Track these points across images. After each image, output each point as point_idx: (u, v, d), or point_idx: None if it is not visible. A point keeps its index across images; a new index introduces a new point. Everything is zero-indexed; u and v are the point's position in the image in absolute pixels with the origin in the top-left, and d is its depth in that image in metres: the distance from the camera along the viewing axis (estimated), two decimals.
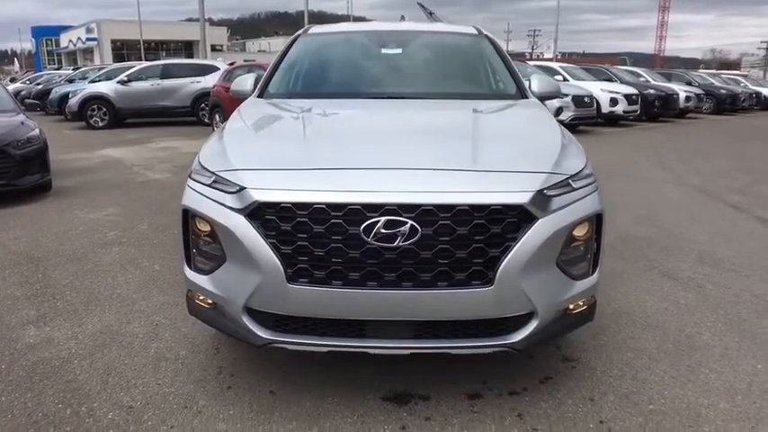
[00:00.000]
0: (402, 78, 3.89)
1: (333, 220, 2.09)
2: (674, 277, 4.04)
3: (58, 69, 33.35)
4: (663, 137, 13.70)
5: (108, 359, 2.85)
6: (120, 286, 3.82)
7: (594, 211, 2.33)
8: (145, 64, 17.46)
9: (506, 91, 3.66)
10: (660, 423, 2.34)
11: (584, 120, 14.01)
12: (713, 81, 23.62)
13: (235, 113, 3.20)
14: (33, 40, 68.05)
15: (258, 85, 3.69)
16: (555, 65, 17.60)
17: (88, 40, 55.73)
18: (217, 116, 12.39)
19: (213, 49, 50.60)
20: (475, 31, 4.25)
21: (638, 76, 19.99)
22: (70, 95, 15.08)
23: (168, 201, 6.22)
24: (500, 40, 4.48)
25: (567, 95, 12.86)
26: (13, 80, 29.26)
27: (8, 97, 7.45)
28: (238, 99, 3.68)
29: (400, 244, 2.07)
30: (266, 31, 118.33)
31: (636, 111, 15.88)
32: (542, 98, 3.61)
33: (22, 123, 6.60)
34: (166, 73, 15.22)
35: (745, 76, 30.53)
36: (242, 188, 2.19)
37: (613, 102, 15.27)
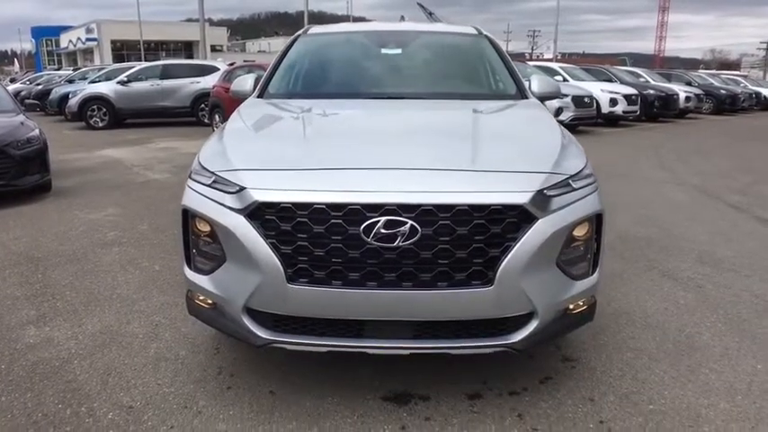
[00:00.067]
0: (402, 78, 3.89)
1: (333, 221, 2.09)
2: (673, 277, 4.04)
3: (58, 70, 33.39)
4: (663, 137, 13.71)
5: (108, 359, 2.85)
6: (119, 286, 3.82)
7: (594, 211, 2.33)
8: (145, 64, 17.45)
9: (506, 91, 3.66)
10: (660, 423, 2.34)
11: (584, 120, 14.02)
12: (713, 81, 23.63)
13: (235, 114, 3.20)
14: (33, 40, 68.06)
15: (258, 86, 3.69)
16: (555, 65, 17.61)
17: (88, 40, 55.74)
18: (216, 116, 12.39)
19: (213, 49, 50.59)
20: (475, 32, 4.26)
21: (638, 76, 19.96)
22: (70, 96, 15.08)
23: (168, 201, 6.22)
24: (500, 40, 4.49)
25: (566, 96, 12.87)
26: (12, 80, 29.25)
27: (8, 97, 7.44)
28: (238, 99, 3.68)
29: (400, 244, 2.07)
30: (266, 32, 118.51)
31: (635, 111, 15.89)
32: (542, 98, 3.61)
33: (22, 124, 6.60)
34: (166, 73, 15.22)
35: (744, 77, 30.57)
36: (242, 188, 2.19)
37: (613, 102, 15.28)
